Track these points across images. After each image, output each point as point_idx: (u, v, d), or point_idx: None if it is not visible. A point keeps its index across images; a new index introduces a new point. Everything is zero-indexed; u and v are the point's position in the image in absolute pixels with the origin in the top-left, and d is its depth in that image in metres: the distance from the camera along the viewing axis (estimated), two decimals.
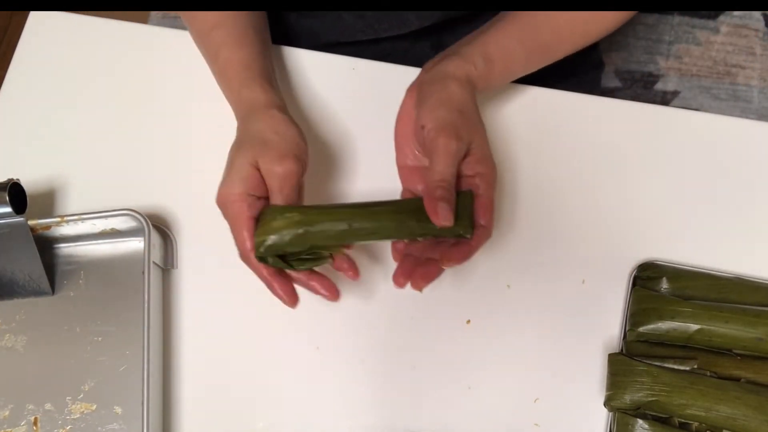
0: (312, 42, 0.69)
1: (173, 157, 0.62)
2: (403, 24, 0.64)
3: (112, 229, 0.57)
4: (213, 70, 0.58)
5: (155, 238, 0.56)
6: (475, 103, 0.52)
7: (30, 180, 0.62)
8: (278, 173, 0.49)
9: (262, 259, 0.49)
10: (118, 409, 0.55)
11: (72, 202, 0.61)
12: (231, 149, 0.52)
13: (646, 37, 1.28)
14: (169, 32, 0.66)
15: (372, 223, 0.49)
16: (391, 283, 0.54)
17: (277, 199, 0.50)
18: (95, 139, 0.63)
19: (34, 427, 0.55)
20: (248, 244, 0.49)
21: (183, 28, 0.65)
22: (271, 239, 0.48)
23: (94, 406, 0.55)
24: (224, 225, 0.59)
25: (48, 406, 0.55)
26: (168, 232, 0.60)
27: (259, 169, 0.50)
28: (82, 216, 0.56)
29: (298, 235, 0.48)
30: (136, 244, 0.59)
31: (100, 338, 0.57)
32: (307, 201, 0.53)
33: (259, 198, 0.50)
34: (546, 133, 0.61)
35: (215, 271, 0.59)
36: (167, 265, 0.59)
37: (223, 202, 0.50)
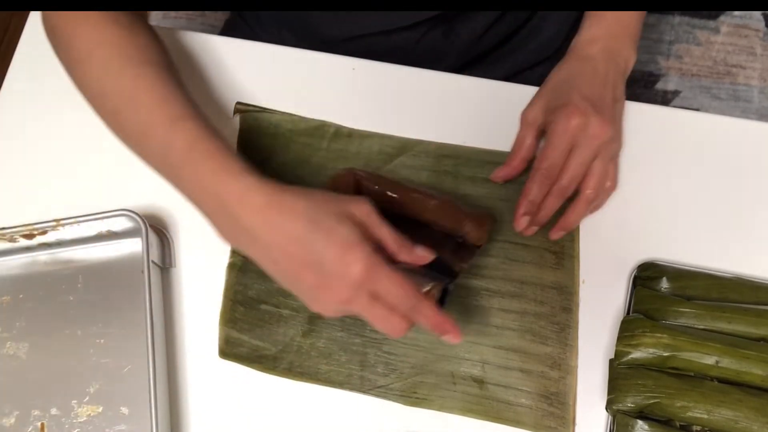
0: (323, 36, 0.68)
1: None
2: (416, 12, 0.64)
3: (108, 231, 0.57)
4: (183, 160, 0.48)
5: (152, 237, 0.56)
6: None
7: (26, 182, 0.62)
8: (371, 208, 0.46)
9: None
10: (125, 410, 0.55)
11: (67, 204, 0.60)
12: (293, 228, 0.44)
13: (647, 36, 1.28)
14: (169, 32, 0.66)
15: (740, 365, 0.50)
16: None
17: (387, 237, 0.46)
18: (89, 140, 0.63)
19: None
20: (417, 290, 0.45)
21: (183, 28, 0.65)
22: (636, 353, 0.51)
23: (101, 408, 0.55)
24: None
25: (54, 411, 0.55)
26: (164, 231, 0.59)
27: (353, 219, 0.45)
28: (78, 219, 0.56)
29: (662, 358, 0.51)
30: (133, 245, 0.58)
31: (102, 340, 0.56)
32: None
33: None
34: None
35: (214, 269, 0.59)
36: (165, 264, 0.59)
37: (346, 268, 0.43)
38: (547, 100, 0.57)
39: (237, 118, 0.63)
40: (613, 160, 0.57)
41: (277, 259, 0.45)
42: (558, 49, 0.68)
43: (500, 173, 0.58)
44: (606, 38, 0.58)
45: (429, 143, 0.61)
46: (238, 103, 0.63)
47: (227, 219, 0.47)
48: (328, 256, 0.43)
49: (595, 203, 0.57)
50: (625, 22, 0.59)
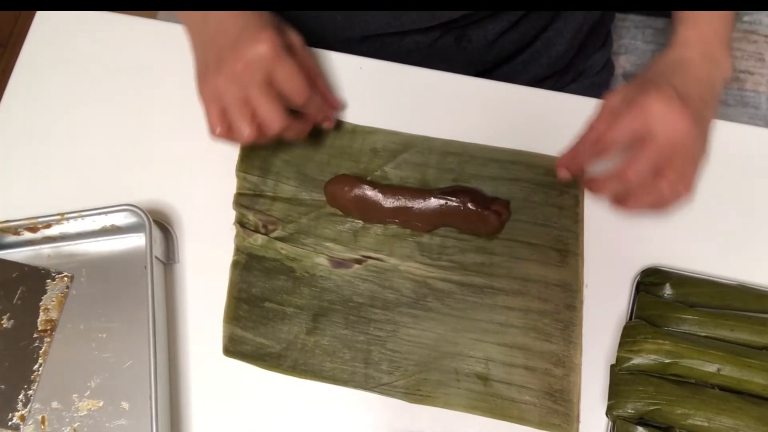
0: (336, 36, 0.68)
1: (171, 152, 0.62)
2: (431, 16, 0.64)
3: (112, 225, 0.57)
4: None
5: (156, 233, 0.56)
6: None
7: (31, 177, 0.62)
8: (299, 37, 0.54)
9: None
10: (125, 405, 0.55)
11: (72, 199, 0.61)
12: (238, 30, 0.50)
13: (655, 41, 1.28)
14: (176, 27, 0.66)
15: (741, 374, 0.51)
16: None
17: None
18: (94, 134, 0.63)
19: (42, 426, 0.55)
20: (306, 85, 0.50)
21: None
22: (637, 359, 0.52)
23: (101, 403, 0.55)
24: (224, 217, 0.59)
25: (55, 404, 0.55)
26: (168, 227, 0.59)
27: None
28: (82, 213, 0.56)
29: (663, 364, 0.51)
30: (136, 240, 0.59)
31: (104, 335, 0.56)
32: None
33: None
34: (552, 136, 0.61)
35: (218, 265, 0.59)
36: (168, 260, 0.59)
37: (255, 43, 0.48)
38: (632, 89, 0.49)
39: None
40: (693, 162, 0.49)
41: (207, 43, 0.52)
42: (569, 64, 0.67)
43: (563, 160, 0.54)
44: (702, 44, 0.52)
45: (434, 140, 0.61)
46: None
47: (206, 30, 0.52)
48: (243, 36, 0.49)
49: (661, 208, 0.49)
50: (719, 29, 0.53)
